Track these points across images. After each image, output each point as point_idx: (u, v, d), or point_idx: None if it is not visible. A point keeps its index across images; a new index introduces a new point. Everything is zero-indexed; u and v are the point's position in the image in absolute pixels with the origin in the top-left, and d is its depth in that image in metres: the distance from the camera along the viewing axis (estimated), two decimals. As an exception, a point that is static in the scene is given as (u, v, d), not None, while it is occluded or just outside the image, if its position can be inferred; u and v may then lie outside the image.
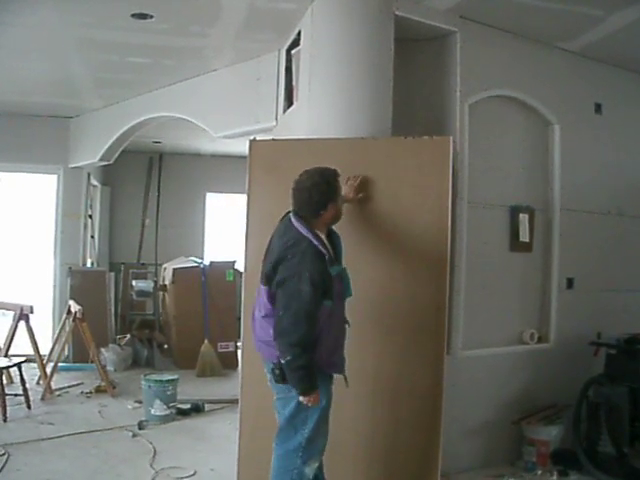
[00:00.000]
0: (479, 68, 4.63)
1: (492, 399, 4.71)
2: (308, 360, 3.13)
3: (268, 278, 3.26)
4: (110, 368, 7.57)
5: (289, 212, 3.40)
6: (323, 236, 3.35)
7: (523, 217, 4.94)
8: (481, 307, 4.70)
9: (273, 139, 4.57)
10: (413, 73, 4.61)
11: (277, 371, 3.24)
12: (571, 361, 4.97)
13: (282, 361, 3.14)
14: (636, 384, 4.49)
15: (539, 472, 4.49)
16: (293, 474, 3.35)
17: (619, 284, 5.46)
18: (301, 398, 3.22)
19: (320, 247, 3.22)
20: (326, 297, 3.18)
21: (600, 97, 5.39)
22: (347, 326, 3.52)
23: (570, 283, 5.17)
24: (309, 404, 3.23)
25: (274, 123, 5.51)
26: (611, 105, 5.44)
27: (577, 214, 5.18)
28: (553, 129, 5.11)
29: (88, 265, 8.99)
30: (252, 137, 4.40)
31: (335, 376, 3.48)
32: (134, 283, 9.15)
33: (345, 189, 3.69)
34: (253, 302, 3.55)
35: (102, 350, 7.61)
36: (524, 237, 4.95)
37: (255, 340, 3.48)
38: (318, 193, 3.26)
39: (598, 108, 5.39)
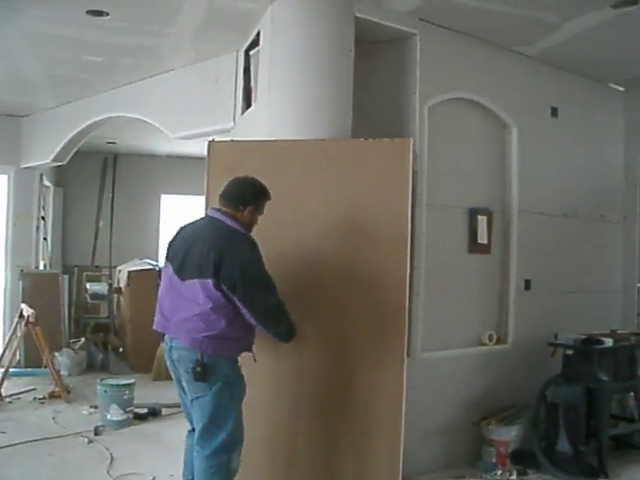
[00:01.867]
0: (438, 71, 4.64)
1: (452, 401, 4.73)
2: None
3: (208, 268, 3.25)
4: (64, 373, 7.41)
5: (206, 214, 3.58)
6: None
7: (481, 219, 4.97)
8: (440, 309, 4.71)
9: (232, 140, 4.52)
10: (374, 75, 4.61)
11: (198, 369, 3.27)
12: (529, 362, 5.02)
13: (278, 333, 3.48)
14: (592, 384, 4.57)
15: (499, 472, 4.52)
16: (222, 473, 3.38)
17: (576, 285, 5.56)
18: (285, 344, 3.60)
19: (248, 234, 3.44)
20: None
21: (556, 101, 5.48)
22: None
23: (528, 284, 5.23)
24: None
25: (232, 124, 5.45)
26: (566, 109, 5.54)
27: (534, 216, 5.24)
28: (510, 132, 5.16)
29: (41, 267, 8.79)
30: (210, 138, 4.34)
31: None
32: (88, 286, 8.99)
33: None
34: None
35: (56, 354, 7.45)
36: (482, 239, 4.99)
37: (179, 336, 3.41)
38: (246, 191, 3.48)
39: (554, 112, 5.48)
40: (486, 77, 4.98)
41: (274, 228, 4.03)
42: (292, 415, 4.07)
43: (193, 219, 3.64)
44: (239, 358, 3.47)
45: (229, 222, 3.39)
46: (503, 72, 5.08)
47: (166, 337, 3.52)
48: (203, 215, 3.63)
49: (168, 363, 3.57)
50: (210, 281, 3.24)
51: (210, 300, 3.26)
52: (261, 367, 4.02)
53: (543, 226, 5.31)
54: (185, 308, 3.35)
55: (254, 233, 3.53)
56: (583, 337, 4.76)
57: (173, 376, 3.60)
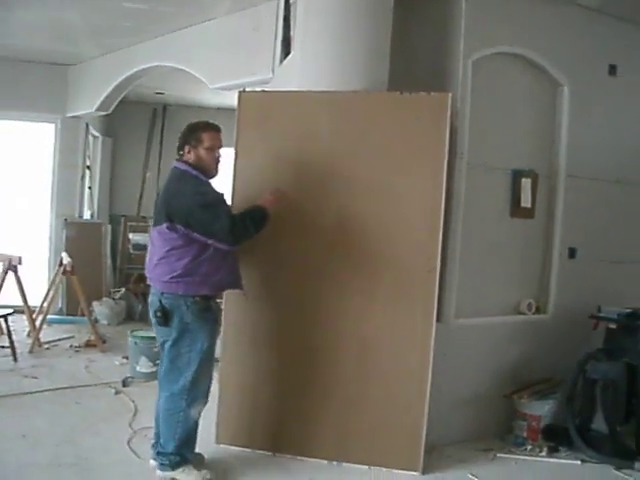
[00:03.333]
0: (485, 22, 4.34)
1: (484, 370, 4.53)
2: (243, 216, 3.50)
3: (161, 215, 3.48)
4: (103, 322, 7.49)
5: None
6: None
7: (525, 182, 4.70)
8: (477, 274, 4.51)
9: (263, 90, 4.38)
10: (415, 27, 4.38)
11: (159, 313, 3.47)
12: (569, 334, 4.75)
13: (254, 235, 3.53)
14: (634, 360, 4.30)
15: (529, 447, 4.33)
16: (179, 416, 3.54)
17: (623, 255, 5.22)
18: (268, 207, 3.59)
19: (198, 174, 3.55)
20: None
21: (615, 58, 5.07)
22: None
23: (572, 253, 4.95)
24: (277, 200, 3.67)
25: (271, 75, 5.29)
26: (627, 67, 5.13)
27: (583, 181, 4.91)
28: (562, 91, 4.82)
29: (86, 217, 8.85)
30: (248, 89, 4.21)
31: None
32: (131, 236, 9.04)
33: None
34: None
35: (94, 304, 7.51)
36: (526, 203, 4.72)
37: (155, 284, 3.57)
38: (180, 137, 3.73)
39: (612, 69, 5.08)
40: (537, 30, 4.62)
41: (302, 181, 3.93)
42: (312, 382, 3.99)
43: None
44: (212, 304, 3.59)
45: (182, 166, 3.60)
46: (557, 25, 4.72)
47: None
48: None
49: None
50: (164, 225, 3.43)
51: (167, 243, 3.46)
52: (287, 336, 3.95)
53: (592, 192, 4.97)
54: (153, 256, 3.58)
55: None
56: (628, 311, 4.48)
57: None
